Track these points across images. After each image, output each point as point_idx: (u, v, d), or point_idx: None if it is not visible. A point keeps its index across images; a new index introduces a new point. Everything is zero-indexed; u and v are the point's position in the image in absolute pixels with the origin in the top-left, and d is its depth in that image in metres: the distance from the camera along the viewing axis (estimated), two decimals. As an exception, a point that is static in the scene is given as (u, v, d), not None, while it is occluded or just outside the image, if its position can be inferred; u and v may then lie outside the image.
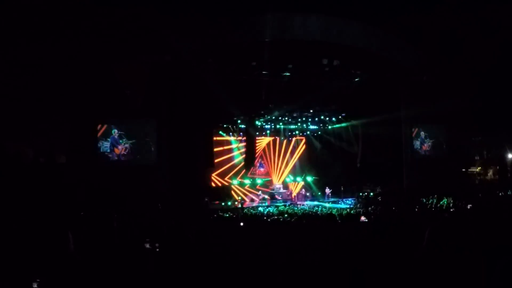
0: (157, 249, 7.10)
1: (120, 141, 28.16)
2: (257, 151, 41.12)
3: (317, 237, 8.29)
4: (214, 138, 37.32)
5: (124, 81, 27.38)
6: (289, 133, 43.64)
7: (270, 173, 42.39)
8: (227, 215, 25.36)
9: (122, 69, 26.75)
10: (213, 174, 38.18)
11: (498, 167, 41.73)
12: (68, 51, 24.87)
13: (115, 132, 28.11)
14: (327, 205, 34.36)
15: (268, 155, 42.66)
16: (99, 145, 27.77)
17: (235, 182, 38.92)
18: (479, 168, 43.15)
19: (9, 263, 5.07)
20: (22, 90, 24.98)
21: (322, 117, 41.11)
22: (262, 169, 42.23)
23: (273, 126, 41.34)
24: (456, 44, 30.33)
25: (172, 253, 7.14)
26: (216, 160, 37.09)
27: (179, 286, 6.23)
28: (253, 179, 40.26)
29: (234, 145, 40.23)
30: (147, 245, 7.01)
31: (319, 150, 44.05)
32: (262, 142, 42.27)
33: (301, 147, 44.73)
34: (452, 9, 27.22)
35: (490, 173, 42.48)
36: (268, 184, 41.17)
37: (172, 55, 27.47)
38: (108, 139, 28.00)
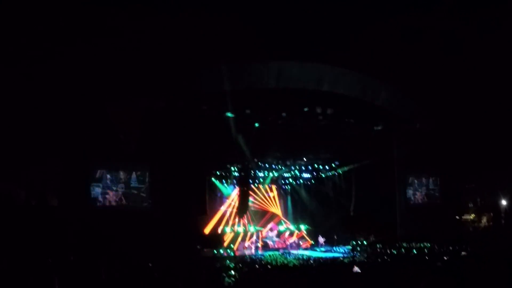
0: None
1: (113, 187, 28.02)
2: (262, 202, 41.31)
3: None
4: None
5: (118, 125, 27.39)
6: (282, 181, 43.61)
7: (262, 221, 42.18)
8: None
9: (116, 113, 26.77)
10: (205, 221, 37.94)
11: (492, 214, 41.65)
12: (63, 92, 24.92)
13: (107, 177, 28.00)
14: (321, 254, 34.06)
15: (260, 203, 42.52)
16: (91, 189, 27.59)
17: (227, 229, 38.66)
18: (473, 215, 43.07)
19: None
20: (15, 130, 24.94)
21: (315, 165, 41.15)
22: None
23: (266, 174, 41.29)
24: (449, 87, 30.55)
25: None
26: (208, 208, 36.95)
27: None
28: (246, 227, 40.01)
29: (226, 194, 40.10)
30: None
31: (307, 201, 43.93)
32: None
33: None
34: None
35: (484, 220, 42.37)
36: (260, 232, 40.89)
37: (167, 101, 27.53)
38: (100, 184, 27.85)
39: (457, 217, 41.43)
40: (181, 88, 27.73)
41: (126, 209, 28.07)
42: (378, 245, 33.63)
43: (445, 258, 17.51)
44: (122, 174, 28.23)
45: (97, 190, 27.71)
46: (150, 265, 19.48)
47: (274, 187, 43.24)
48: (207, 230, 37.74)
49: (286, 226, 42.27)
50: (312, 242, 40.58)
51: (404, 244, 29.41)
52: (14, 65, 23.39)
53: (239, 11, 23.99)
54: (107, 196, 27.85)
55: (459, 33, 26.36)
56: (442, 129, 34.01)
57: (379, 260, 23.46)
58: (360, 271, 11.97)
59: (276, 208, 43.12)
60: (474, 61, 27.77)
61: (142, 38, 24.79)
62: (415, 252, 26.17)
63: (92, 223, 26.10)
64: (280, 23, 25.34)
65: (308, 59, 29.17)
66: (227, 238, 37.83)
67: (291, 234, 41.12)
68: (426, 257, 20.61)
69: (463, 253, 17.99)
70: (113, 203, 27.95)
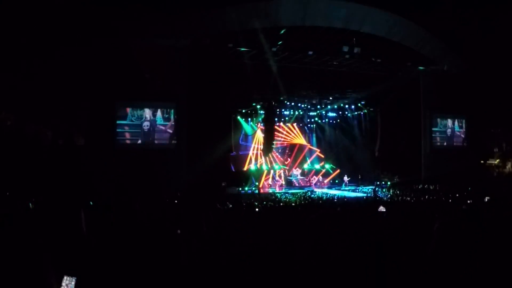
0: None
1: (139, 125, 28.14)
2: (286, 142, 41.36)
3: (337, 228, 8.25)
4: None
5: (144, 64, 27.39)
6: (308, 120, 43.52)
7: (289, 160, 42.31)
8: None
9: (142, 53, 26.74)
10: (231, 159, 38.17)
11: (516, 160, 41.47)
12: (89, 32, 24.90)
13: (133, 115, 28.11)
14: (345, 193, 34.18)
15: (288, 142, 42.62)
16: (117, 128, 27.71)
17: (253, 167, 38.86)
18: (497, 160, 42.86)
19: (23, 241, 5.10)
20: (42, 71, 25.04)
21: (341, 105, 41.00)
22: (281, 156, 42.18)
23: (291, 113, 41.24)
24: (478, 35, 30.09)
25: (186, 241, 7.16)
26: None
27: (191, 275, 6.23)
28: (272, 166, 40.19)
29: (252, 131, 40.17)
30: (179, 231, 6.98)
31: (332, 140, 43.95)
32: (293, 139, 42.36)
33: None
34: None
35: (509, 165, 42.19)
36: (286, 170, 41.07)
37: (192, 39, 27.44)
38: (126, 123, 27.97)
39: (482, 161, 41.29)
40: (206, 26, 27.59)
41: (152, 147, 28.25)
42: (401, 186, 33.64)
43: (468, 201, 17.50)
44: (147, 112, 28.32)
45: (123, 129, 27.86)
46: (176, 202, 19.71)
47: (295, 125, 43.16)
48: (232, 168, 38.01)
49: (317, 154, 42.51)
50: (336, 180, 40.73)
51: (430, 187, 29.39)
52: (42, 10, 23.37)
53: None
54: (133, 134, 28.01)
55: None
56: (470, 71, 33.63)
57: (402, 200, 23.52)
58: (385, 210, 12.00)
59: (301, 139, 43.13)
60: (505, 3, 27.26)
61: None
62: (438, 195, 26.09)
63: (119, 161, 26.33)
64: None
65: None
66: (252, 176, 38.08)
67: (316, 172, 41.27)
68: (450, 200, 20.61)
69: (486, 198, 17.88)
70: (139, 141, 28.14)
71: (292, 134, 42.74)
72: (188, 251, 6.15)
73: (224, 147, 34.90)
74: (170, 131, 28.72)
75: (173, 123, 28.69)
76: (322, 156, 43.04)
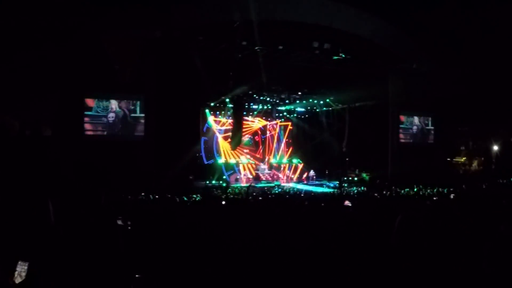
0: (129, 227, 7.12)
1: (106, 116, 27.96)
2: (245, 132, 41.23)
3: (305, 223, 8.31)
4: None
5: (113, 55, 27.21)
6: (277, 115, 43.63)
7: (256, 153, 42.41)
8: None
9: (111, 43, 26.57)
10: (198, 152, 38.14)
11: (483, 158, 42.02)
12: (57, 22, 24.67)
13: (101, 106, 27.91)
14: (312, 188, 34.36)
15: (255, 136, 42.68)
16: (84, 119, 27.51)
17: (220, 161, 38.91)
18: (464, 158, 43.46)
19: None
20: (9, 60, 24.77)
21: (310, 100, 41.18)
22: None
23: (260, 107, 41.34)
24: (448, 33, 30.39)
25: (145, 231, 7.18)
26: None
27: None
28: (238, 159, 40.27)
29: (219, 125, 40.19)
30: (119, 222, 7.02)
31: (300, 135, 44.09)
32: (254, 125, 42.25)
33: (287, 130, 44.64)
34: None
35: (475, 163, 42.78)
36: (253, 164, 41.19)
37: (163, 31, 27.32)
38: (93, 114, 27.76)
39: (449, 159, 41.79)
40: (177, 18, 27.48)
41: (120, 139, 28.09)
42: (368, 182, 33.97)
43: (434, 198, 17.71)
44: (115, 104, 28.14)
45: (90, 120, 27.65)
46: (143, 194, 19.70)
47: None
48: (200, 161, 37.99)
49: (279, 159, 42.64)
50: (303, 176, 40.93)
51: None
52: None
53: None
54: (100, 125, 27.82)
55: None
56: (438, 70, 33.96)
57: (368, 195, 23.73)
58: (350, 205, 12.10)
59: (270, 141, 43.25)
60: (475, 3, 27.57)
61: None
62: (405, 191, 26.40)
63: (86, 152, 26.16)
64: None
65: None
66: (220, 170, 38.12)
67: (283, 167, 41.45)
68: (415, 196, 20.85)
69: (452, 195, 18.13)
70: (106, 133, 27.96)
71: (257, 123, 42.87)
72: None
73: (192, 140, 34.89)
74: (137, 123, 28.58)
75: (140, 115, 28.56)
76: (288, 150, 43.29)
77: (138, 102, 28.59)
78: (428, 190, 26.61)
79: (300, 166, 41.64)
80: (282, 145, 44.19)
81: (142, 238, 7.07)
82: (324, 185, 36.63)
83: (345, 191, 28.33)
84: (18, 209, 5.50)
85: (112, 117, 28.09)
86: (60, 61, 25.79)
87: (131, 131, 28.46)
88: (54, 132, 27.54)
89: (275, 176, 40.24)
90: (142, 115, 28.48)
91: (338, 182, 36.27)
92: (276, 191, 29.54)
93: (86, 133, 27.49)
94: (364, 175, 41.24)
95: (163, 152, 29.34)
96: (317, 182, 38.68)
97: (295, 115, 44.09)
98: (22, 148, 25.26)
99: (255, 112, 41.69)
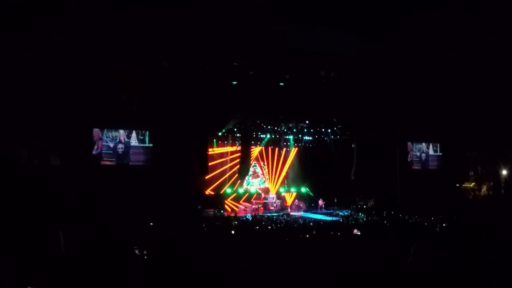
0: (145, 256, 7.11)
1: (114, 146, 28.04)
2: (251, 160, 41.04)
3: (313, 253, 8.26)
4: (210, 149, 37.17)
5: (121, 85, 27.37)
6: (285, 143, 43.52)
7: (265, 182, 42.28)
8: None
9: (119, 73, 26.73)
10: (207, 182, 38.02)
11: (492, 183, 41.80)
12: (66, 52, 24.84)
13: (109, 136, 28.00)
14: (321, 217, 34.20)
15: (262, 165, 42.52)
16: (93, 149, 27.60)
17: (228, 191, 38.81)
18: (473, 183, 43.23)
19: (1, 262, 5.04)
20: (19, 90, 24.92)
21: (318, 129, 41.15)
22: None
23: (268, 136, 41.25)
24: (454, 59, 30.44)
25: (162, 260, 7.15)
26: (210, 168, 36.94)
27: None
28: (247, 189, 40.17)
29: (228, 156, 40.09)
30: (137, 251, 7.01)
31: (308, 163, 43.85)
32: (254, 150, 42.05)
33: (292, 158, 44.43)
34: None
35: (484, 189, 42.52)
36: (261, 194, 41.03)
37: (170, 60, 27.46)
38: (101, 144, 27.84)
39: (457, 184, 41.62)
40: (184, 48, 27.63)
41: (128, 168, 28.16)
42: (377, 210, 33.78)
43: (444, 224, 17.62)
44: (123, 134, 28.25)
45: (98, 149, 27.74)
46: (151, 224, 19.64)
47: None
48: (208, 191, 37.88)
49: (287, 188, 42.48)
50: (312, 204, 40.75)
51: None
52: (19, 27, 23.29)
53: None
54: (108, 155, 27.90)
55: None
56: (446, 96, 33.97)
57: (377, 224, 23.61)
58: (359, 233, 12.07)
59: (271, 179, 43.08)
60: (479, 27, 27.62)
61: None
62: (414, 218, 26.25)
63: (94, 182, 26.21)
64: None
65: (311, 21, 29.06)
66: (228, 199, 38.03)
67: (292, 196, 41.31)
68: (425, 223, 20.73)
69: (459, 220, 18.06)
70: (114, 163, 28.03)
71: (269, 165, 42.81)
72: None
73: (200, 169, 34.83)
74: (146, 154, 28.64)
75: (149, 145, 28.63)
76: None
77: (147, 132, 28.69)
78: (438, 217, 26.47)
79: (309, 195, 41.56)
80: (289, 173, 44.05)
81: (159, 268, 7.05)
82: (333, 214, 36.43)
83: (353, 220, 28.18)
84: (28, 239, 5.48)
85: (121, 148, 28.20)
86: (69, 91, 25.96)
87: (139, 161, 28.52)
88: (62, 161, 27.62)
89: (284, 205, 40.07)
90: (151, 145, 28.58)
91: (350, 211, 36.22)
92: (284, 220, 29.40)
93: (96, 163, 27.58)
94: (304, 189, 41.28)
95: (171, 181, 29.36)
96: (325, 211, 38.48)
97: (302, 143, 43.97)
98: (30, 177, 25.29)
99: (263, 142, 41.59)
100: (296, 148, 43.99)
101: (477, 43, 28.76)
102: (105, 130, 27.93)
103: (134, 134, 28.54)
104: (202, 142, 34.81)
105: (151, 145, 28.73)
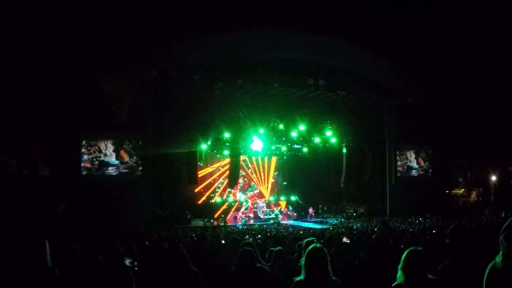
0: (136, 267, 7.09)
1: (104, 156, 27.93)
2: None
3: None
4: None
5: (110, 95, 27.35)
6: (274, 152, 43.43)
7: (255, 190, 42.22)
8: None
9: (108, 84, 26.72)
10: (197, 192, 37.92)
11: (481, 189, 41.98)
12: (55, 63, 24.81)
13: (99, 146, 27.89)
14: (311, 225, 34.17)
15: (250, 174, 42.48)
16: (82, 159, 27.47)
17: (218, 200, 38.76)
18: (462, 190, 43.42)
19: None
20: (7, 101, 24.85)
21: (307, 137, 41.13)
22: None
23: (257, 145, 41.13)
24: (441, 61, 30.64)
25: (152, 271, 7.14)
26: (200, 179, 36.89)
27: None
28: (236, 198, 40.10)
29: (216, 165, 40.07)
30: (127, 262, 6.99)
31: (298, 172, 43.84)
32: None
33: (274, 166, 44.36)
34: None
35: (474, 195, 42.72)
36: (251, 202, 40.95)
37: (159, 71, 27.46)
38: (91, 154, 27.73)
39: (447, 191, 41.77)
40: (173, 58, 27.63)
41: (117, 178, 28.06)
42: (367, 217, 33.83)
43: (433, 231, 17.64)
44: (113, 144, 28.14)
45: (88, 159, 27.63)
46: (142, 233, 19.60)
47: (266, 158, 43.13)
48: (198, 200, 37.82)
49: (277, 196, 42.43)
50: (302, 212, 40.68)
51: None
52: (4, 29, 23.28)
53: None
54: (98, 165, 27.80)
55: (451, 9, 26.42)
56: (434, 103, 34.13)
57: (368, 231, 23.63)
58: (348, 241, 12.08)
59: (263, 185, 43.03)
60: (467, 35, 27.85)
61: (135, 9, 24.75)
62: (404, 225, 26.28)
63: (83, 192, 26.13)
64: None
65: (300, 29, 29.16)
66: (218, 208, 37.99)
67: (282, 205, 41.24)
68: (416, 230, 20.76)
69: (450, 227, 18.08)
70: (104, 173, 27.94)
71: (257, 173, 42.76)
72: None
73: (189, 179, 34.78)
74: (135, 164, 28.55)
75: (138, 155, 28.54)
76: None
77: (136, 142, 28.60)
78: (427, 223, 26.54)
79: (299, 203, 41.52)
80: (279, 182, 44.03)
81: (151, 279, 7.03)
82: (323, 222, 36.37)
83: (343, 228, 28.18)
84: (15, 250, 5.46)
85: (113, 157, 28.12)
86: (57, 102, 25.90)
87: (129, 171, 28.44)
88: (51, 172, 27.55)
89: (273, 214, 39.96)
90: (140, 155, 28.47)
91: (340, 218, 36.29)
92: (273, 229, 29.35)
93: (86, 173, 27.47)
94: (294, 197, 41.38)
95: (161, 191, 29.35)
96: (316, 219, 38.39)
97: (292, 152, 43.90)
98: (19, 188, 25.20)
99: (252, 150, 41.48)
100: (275, 158, 43.95)
101: (467, 47, 29.02)
102: (96, 140, 27.80)
103: (125, 144, 28.41)
104: (192, 152, 34.79)
105: (140, 155, 28.59)
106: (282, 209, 40.49)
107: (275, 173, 44.12)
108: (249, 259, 6.42)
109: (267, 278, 6.45)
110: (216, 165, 39.99)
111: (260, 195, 42.03)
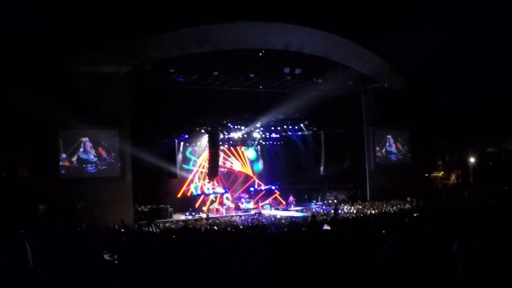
0: (116, 261, 7.05)
1: (82, 154, 27.73)
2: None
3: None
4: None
5: (86, 92, 27.17)
6: (252, 142, 43.41)
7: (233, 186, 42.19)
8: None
9: (84, 80, 26.53)
10: (176, 186, 37.80)
11: (460, 172, 42.26)
12: (31, 61, 24.60)
13: (77, 145, 27.66)
14: (293, 213, 34.18)
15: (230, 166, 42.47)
16: (60, 158, 27.21)
17: (198, 193, 38.67)
18: (441, 172, 43.70)
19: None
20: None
21: (285, 126, 41.13)
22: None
23: (236, 136, 41.13)
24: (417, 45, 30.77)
25: (133, 265, 7.11)
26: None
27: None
28: (217, 190, 40.03)
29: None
30: (107, 257, 6.96)
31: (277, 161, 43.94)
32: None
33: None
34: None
35: (453, 177, 43.01)
36: (231, 194, 40.91)
37: (134, 65, 27.31)
38: (69, 152, 27.49)
39: (426, 174, 42.03)
40: (148, 52, 27.47)
41: (97, 176, 27.88)
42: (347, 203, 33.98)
43: (414, 214, 17.73)
44: (91, 141, 27.92)
45: (66, 158, 27.38)
46: (122, 230, 19.53)
47: (243, 149, 43.09)
48: (178, 193, 37.72)
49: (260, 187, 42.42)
50: (283, 202, 40.67)
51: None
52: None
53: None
54: (76, 163, 27.58)
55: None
56: (410, 88, 34.29)
57: (348, 217, 23.73)
58: (329, 229, 12.09)
59: (246, 169, 43.06)
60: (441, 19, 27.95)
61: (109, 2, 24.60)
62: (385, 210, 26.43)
63: (63, 191, 25.93)
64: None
65: (275, 19, 29.15)
66: (198, 201, 37.92)
67: (263, 194, 41.22)
68: (396, 214, 20.87)
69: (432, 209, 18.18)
70: (83, 171, 27.73)
71: (238, 159, 42.69)
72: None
73: (169, 173, 34.72)
74: (114, 160, 28.36)
75: (116, 151, 28.36)
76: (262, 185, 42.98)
77: (114, 138, 28.38)
78: (407, 206, 26.74)
79: (278, 192, 41.50)
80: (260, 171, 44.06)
81: (131, 273, 7.00)
82: (304, 210, 36.38)
83: (324, 215, 28.22)
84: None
85: (90, 154, 27.90)
86: (33, 100, 25.63)
87: (108, 167, 28.26)
88: (30, 172, 27.32)
89: (255, 205, 39.89)
90: (118, 151, 28.29)
91: (320, 206, 36.45)
92: (255, 219, 29.34)
93: (64, 172, 27.25)
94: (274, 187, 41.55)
95: (140, 186, 29.27)
96: (297, 207, 38.38)
97: (270, 142, 43.88)
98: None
99: (231, 142, 41.42)
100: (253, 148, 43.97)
101: (442, 30, 29.13)
102: (72, 138, 27.56)
103: (102, 141, 28.17)
104: (171, 145, 34.71)
105: (118, 151, 28.39)
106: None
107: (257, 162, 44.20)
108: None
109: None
110: (195, 158, 39.85)
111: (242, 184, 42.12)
